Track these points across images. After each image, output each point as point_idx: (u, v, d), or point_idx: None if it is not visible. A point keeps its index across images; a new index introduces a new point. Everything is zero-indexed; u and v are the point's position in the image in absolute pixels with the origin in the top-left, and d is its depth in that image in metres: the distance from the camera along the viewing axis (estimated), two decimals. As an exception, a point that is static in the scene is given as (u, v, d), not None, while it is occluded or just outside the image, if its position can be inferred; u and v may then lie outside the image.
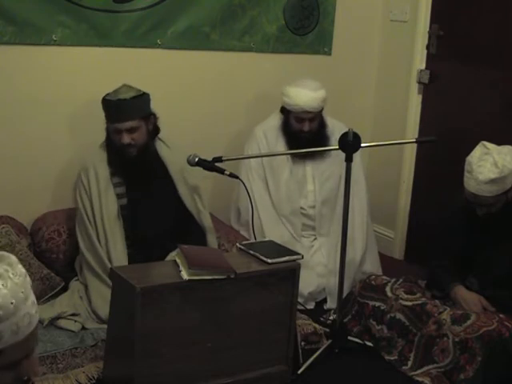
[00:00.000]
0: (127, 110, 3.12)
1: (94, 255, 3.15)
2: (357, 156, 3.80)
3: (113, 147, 3.21)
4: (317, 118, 3.68)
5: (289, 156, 3.73)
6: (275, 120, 3.77)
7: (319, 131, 3.70)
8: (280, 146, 3.71)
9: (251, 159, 3.70)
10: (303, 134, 3.64)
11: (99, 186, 3.20)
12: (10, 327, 1.33)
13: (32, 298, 1.39)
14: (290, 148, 3.70)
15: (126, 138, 3.13)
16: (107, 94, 3.16)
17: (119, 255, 3.14)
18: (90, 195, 3.20)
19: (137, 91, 3.16)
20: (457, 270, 3.16)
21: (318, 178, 3.78)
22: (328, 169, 3.78)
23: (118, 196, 3.23)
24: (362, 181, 3.85)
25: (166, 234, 3.20)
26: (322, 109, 3.69)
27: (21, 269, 1.39)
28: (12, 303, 1.33)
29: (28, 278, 1.40)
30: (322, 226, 3.78)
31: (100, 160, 3.23)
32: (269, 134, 3.74)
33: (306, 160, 3.77)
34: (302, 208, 3.76)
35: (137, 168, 3.20)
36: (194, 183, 3.34)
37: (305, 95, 3.59)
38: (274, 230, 3.63)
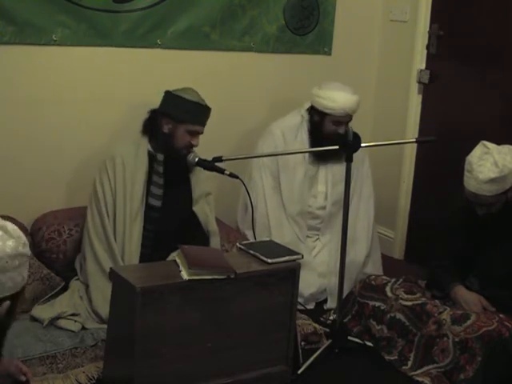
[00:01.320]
0: (207, 115, 3.20)
1: (107, 248, 3.10)
2: (366, 161, 3.83)
3: (171, 146, 3.17)
4: (351, 120, 3.67)
5: (306, 157, 3.71)
6: (294, 120, 3.75)
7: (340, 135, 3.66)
8: (298, 145, 3.68)
9: (266, 157, 3.68)
10: (336, 136, 3.56)
11: (125, 178, 3.15)
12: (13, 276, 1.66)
13: (15, 269, 1.68)
14: (311, 152, 3.67)
15: (197, 141, 3.17)
16: (181, 94, 3.16)
17: (133, 254, 3.11)
18: (115, 185, 3.15)
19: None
20: (457, 269, 3.16)
21: (331, 180, 3.76)
22: (341, 171, 3.75)
23: (155, 197, 3.20)
24: (370, 186, 3.86)
25: (175, 236, 3.19)
26: None
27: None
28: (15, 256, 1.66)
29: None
30: (327, 226, 3.79)
31: (128, 152, 3.19)
32: (287, 134, 3.72)
33: (319, 161, 3.75)
34: (309, 207, 3.76)
35: (183, 169, 3.21)
36: (208, 190, 3.35)
37: (348, 99, 3.59)
38: (280, 230, 3.63)
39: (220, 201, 3.82)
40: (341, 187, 3.72)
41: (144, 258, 3.12)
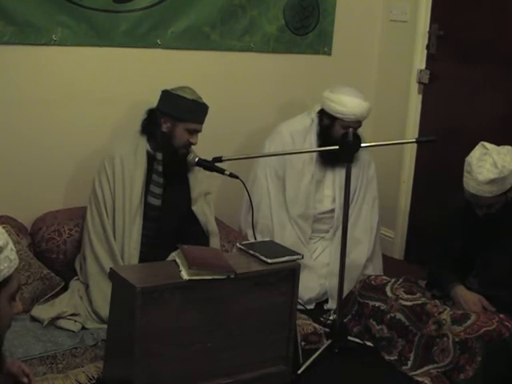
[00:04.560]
0: (205, 113, 3.20)
1: (106, 248, 3.11)
2: (372, 164, 3.82)
3: (170, 145, 3.18)
4: (360, 126, 3.66)
5: (314, 160, 3.70)
6: (303, 122, 3.73)
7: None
8: (303, 149, 3.66)
9: (272, 157, 3.66)
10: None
11: (124, 178, 3.16)
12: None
13: (10, 239, 1.74)
14: (323, 154, 3.65)
15: (196, 139, 3.17)
16: (180, 92, 3.15)
17: (133, 253, 3.12)
18: (114, 185, 3.16)
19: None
20: (457, 269, 3.16)
21: (338, 183, 3.74)
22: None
23: (155, 195, 3.21)
24: (375, 190, 3.85)
25: (175, 235, 3.19)
26: None
27: None
28: (4, 238, 1.70)
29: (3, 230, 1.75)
30: (335, 227, 3.77)
31: (127, 152, 3.19)
32: (296, 136, 3.70)
33: (327, 165, 3.74)
34: (315, 211, 3.74)
35: (182, 168, 3.21)
36: (207, 190, 3.35)
37: (359, 105, 3.57)
38: (283, 232, 3.62)
39: (220, 201, 3.83)
40: (348, 191, 3.74)
41: (143, 257, 3.12)
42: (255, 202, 3.61)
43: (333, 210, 3.77)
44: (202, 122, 3.21)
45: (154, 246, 3.18)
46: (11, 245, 1.72)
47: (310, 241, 3.77)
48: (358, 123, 3.59)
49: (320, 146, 3.65)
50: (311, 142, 3.70)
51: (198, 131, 3.20)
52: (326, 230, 3.79)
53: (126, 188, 3.16)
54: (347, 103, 3.56)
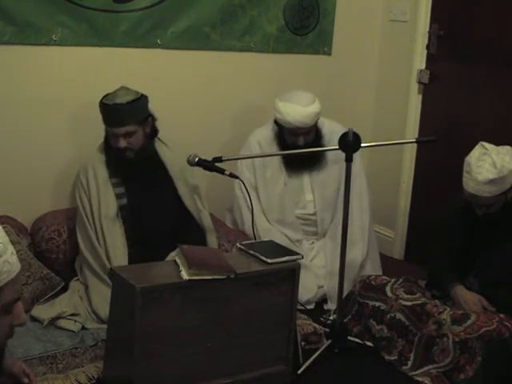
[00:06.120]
0: (123, 115, 3.11)
1: (94, 255, 3.16)
2: (356, 158, 3.79)
3: (111, 149, 3.22)
4: (312, 131, 3.62)
5: (283, 168, 3.70)
6: (270, 129, 3.73)
7: (315, 143, 3.63)
8: (275, 157, 3.67)
9: (243, 167, 3.68)
10: (298, 147, 3.57)
11: (98, 187, 3.20)
12: None
13: (11, 249, 1.60)
14: (286, 161, 3.67)
15: (123, 142, 3.14)
16: (105, 97, 3.16)
17: (119, 255, 3.14)
18: (89, 195, 3.21)
19: (135, 94, 3.15)
20: (457, 270, 3.16)
21: (318, 188, 3.75)
22: (326, 177, 3.74)
23: (118, 196, 3.23)
24: (362, 183, 3.80)
25: (166, 234, 3.21)
26: (317, 121, 3.64)
27: None
28: None
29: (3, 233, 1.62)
30: (323, 229, 3.79)
31: (98, 161, 3.24)
32: (263, 144, 3.70)
33: (303, 171, 3.73)
34: (302, 217, 3.75)
35: (135, 169, 3.21)
36: (194, 183, 3.35)
37: (295, 112, 3.52)
38: (271, 235, 3.58)
39: (220, 201, 3.83)
40: (329, 191, 3.75)
41: (133, 258, 3.14)
42: (238, 217, 3.67)
43: (315, 214, 3.77)
44: (119, 125, 3.12)
45: (147, 247, 3.19)
46: (6, 256, 1.58)
47: (306, 242, 3.77)
48: (300, 129, 3.57)
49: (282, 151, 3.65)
50: (275, 150, 3.68)
51: (118, 135, 3.14)
52: (316, 232, 3.80)
53: (100, 196, 3.20)
54: (284, 111, 3.54)
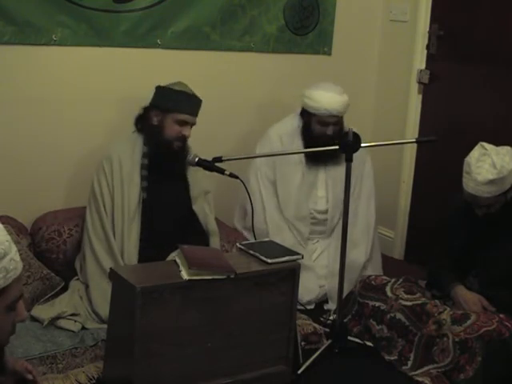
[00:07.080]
0: (199, 106, 3.20)
1: (106, 247, 3.12)
2: (367, 161, 3.81)
3: (160, 139, 3.18)
4: (340, 122, 3.65)
5: (303, 161, 3.70)
6: (291, 123, 3.73)
7: (339, 136, 3.62)
8: (296, 150, 3.66)
9: (262, 162, 3.67)
10: (325, 138, 3.57)
11: (122, 179, 3.17)
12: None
13: (14, 248, 1.64)
14: (308, 154, 3.65)
15: (188, 131, 3.17)
16: (172, 85, 3.18)
17: (131, 250, 3.12)
18: (112, 185, 3.17)
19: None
20: (457, 269, 3.16)
21: (331, 183, 3.75)
22: (340, 174, 3.73)
23: (143, 189, 3.20)
24: (370, 186, 3.83)
25: (174, 234, 3.19)
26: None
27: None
28: (3, 249, 1.59)
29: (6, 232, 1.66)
30: (331, 227, 3.78)
31: (125, 151, 3.20)
32: (284, 138, 3.70)
33: (318, 165, 3.74)
34: (311, 214, 3.74)
35: (173, 163, 3.20)
36: (207, 188, 3.35)
37: (332, 98, 3.57)
38: (279, 235, 3.60)
39: (220, 201, 3.82)
40: (340, 189, 3.73)
41: (143, 256, 3.12)
42: (250, 208, 3.62)
43: (327, 211, 3.77)
44: (191, 113, 3.18)
45: (154, 246, 3.18)
46: (12, 255, 1.62)
47: (309, 242, 3.77)
48: (333, 118, 3.59)
49: (305, 145, 3.66)
50: (298, 144, 3.69)
51: (188, 123, 3.18)
52: (323, 231, 3.79)
53: (124, 188, 3.16)
54: (318, 97, 3.57)
